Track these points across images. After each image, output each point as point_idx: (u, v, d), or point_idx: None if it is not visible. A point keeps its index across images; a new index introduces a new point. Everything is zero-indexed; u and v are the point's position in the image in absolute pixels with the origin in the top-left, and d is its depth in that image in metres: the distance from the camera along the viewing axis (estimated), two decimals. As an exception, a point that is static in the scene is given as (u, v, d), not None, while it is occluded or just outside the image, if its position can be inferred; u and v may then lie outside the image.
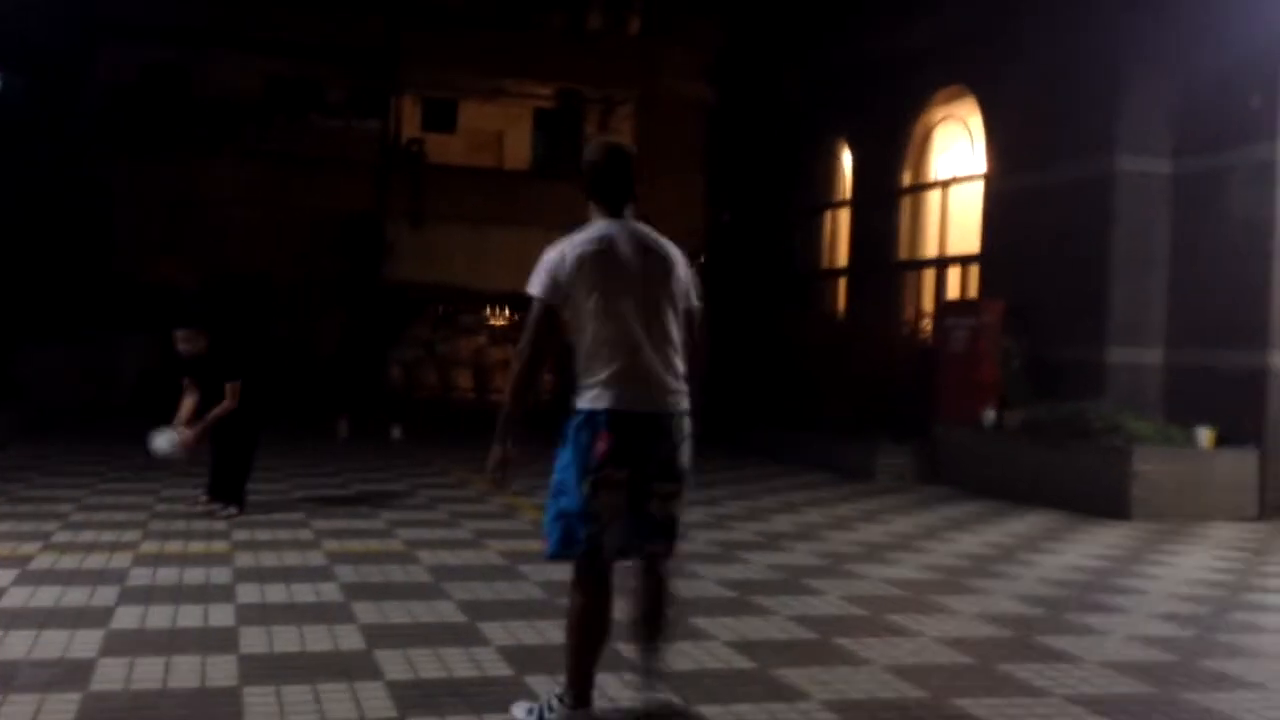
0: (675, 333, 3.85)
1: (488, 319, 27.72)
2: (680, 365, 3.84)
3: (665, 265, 3.91)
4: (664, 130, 26.20)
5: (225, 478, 8.16)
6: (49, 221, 18.53)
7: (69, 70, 21.70)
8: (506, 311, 28.10)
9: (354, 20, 25.49)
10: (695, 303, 4.03)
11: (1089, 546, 8.22)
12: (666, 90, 25.69)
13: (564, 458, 3.80)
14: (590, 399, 3.76)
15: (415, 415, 16.91)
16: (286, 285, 23.47)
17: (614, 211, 3.93)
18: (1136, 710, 4.33)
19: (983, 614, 5.90)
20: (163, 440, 7.94)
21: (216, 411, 7.96)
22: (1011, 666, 4.88)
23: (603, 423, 3.70)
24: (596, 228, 3.89)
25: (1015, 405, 11.39)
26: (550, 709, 3.86)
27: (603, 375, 3.73)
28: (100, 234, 22.37)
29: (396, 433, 14.47)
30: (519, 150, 29.03)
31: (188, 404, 8.08)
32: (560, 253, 3.85)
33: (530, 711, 3.92)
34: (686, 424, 3.85)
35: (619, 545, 3.76)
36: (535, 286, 3.81)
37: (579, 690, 3.83)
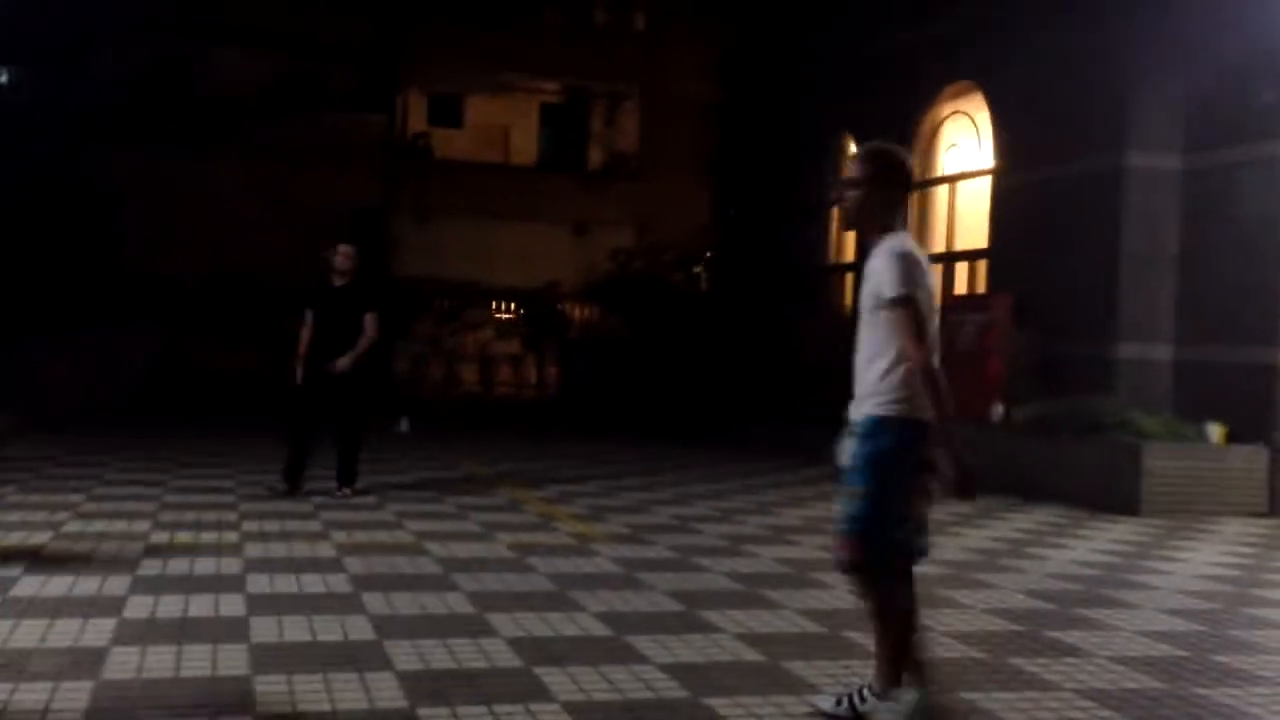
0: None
1: (493, 314, 27.74)
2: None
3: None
4: (669, 126, 26.24)
5: (346, 460, 8.80)
6: (54, 216, 18.54)
7: (74, 65, 21.72)
8: (512, 306, 28.13)
9: (360, 15, 25.50)
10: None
11: (1098, 542, 8.21)
12: (672, 86, 25.71)
13: (872, 465, 3.76)
14: (903, 407, 3.75)
15: (422, 409, 16.91)
16: (291, 281, 23.47)
17: (904, 222, 3.91)
18: (1146, 705, 4.33)
19: (992, 608, 5.90)
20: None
21: (364, 344, 8.64)
22: (1021, 661, 4.87)
23: (922, 432, 3.75)
24: (907, 236, 3.88)
25: (1023, 401, 11.38)
26: (862, 699, 3.93)
27: (908, 385, 3.74)
28: (105, 229, 22.40)
29: (404, 426, 14.49)
30: (525, 145, 29.05)
31: (305, 337, 8.79)
32: (912, 252, 3.81)
33: (839, 703, 3.98)
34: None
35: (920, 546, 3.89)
36: (908, 283, 3.71)
37: (894, 681, 3.86)
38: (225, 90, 24.68)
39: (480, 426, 17.01)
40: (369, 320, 8.70)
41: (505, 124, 28.91)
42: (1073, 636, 5.33)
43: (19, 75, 19.70)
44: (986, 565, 7.13)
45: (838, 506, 3.87)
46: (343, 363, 8.58)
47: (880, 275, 3.77)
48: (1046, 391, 11.26)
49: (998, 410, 11.48)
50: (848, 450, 3.83)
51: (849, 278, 16.96)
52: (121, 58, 23.94)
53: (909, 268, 3.74)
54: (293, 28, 25.05)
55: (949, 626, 5.42)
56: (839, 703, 3.98)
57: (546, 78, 27.74)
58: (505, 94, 28.19)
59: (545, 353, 25.35)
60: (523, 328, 27.12)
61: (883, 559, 3.80)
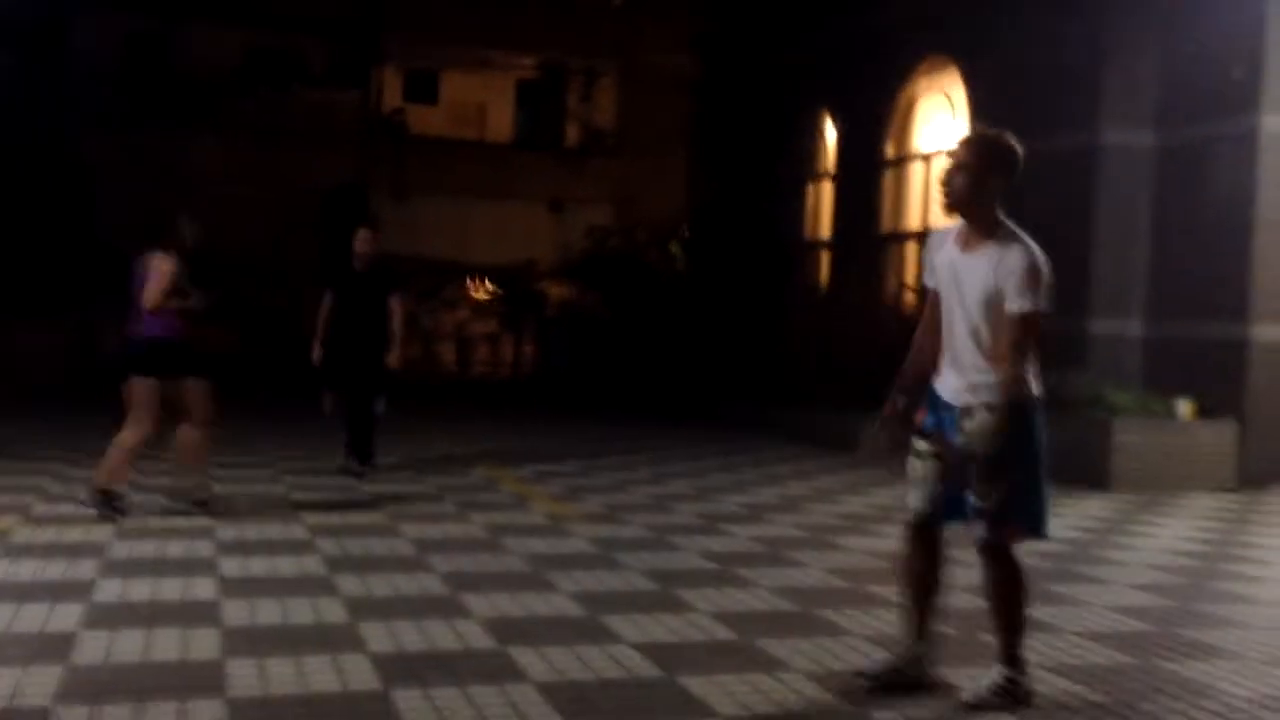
0: None
1: (470, 292, 27.65)
2: None
3: None
4: (647, 103, 26.15)
5: (360, 438, 9.06)
6: (32, 196, 18.37)
7: (51, 43, 21.47)
8: (488, 284, 28.03)
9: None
10: None
11: (1069, 518, 8.26)
12: (650, 62, 25.60)
13: (1021, 443, 3.94)
14: (1028, 388, 3.97)
15: (398, 389, 16.84)
16: (268, 259, 23.34)
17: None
18: (1114, 680, 4.37)
19: (962, 585, 5.93)
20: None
21: (399, 327, 9.03)
22: (991, 637, 4.90)
23: (1038, 408, 4.01)
24: (1015, 228, 4.02)
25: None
26: (1011, 681, 4.06)
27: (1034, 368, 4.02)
28: (84, 206, 22.20)
29: (380, 407, 14.41)
30: (501, 123, 28.90)
31: (324, 318, 9.02)
32: (1042, 263, 3.95)
33: (998, 691, 4.04)
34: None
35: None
36: (1039, 301, 3.90)
37: (1014, 656, 4.10)
38: (202, 67, 24.45)
39: (457, 406, 16.98)
40: (396, 302, 9.04)
41: (481, 101, 28.75)
42: (1042, 612, 5.36)
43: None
44: (957, 542, 7.15)
45: (980, 494, 3.95)
46: (394, 358, 9.06)
47: (1017, 278, 3.88)
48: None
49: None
50: (975, 435, 3.92)
51: (824, 255, 16.99)
52: (98, 35, 23.66)
53: (1048, 283, 3.94)
54: (268, 3, 24.81)
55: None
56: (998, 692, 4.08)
57: (523, 53, 27.56)
58: (481, 70, 28.02)
59: (522, 331, 25.29)
60: (499, 306, 27.04)
61: (1040, 531, 4.12)
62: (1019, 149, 4.08)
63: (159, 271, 6.70)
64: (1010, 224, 4.04)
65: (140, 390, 6.75)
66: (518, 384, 22.86)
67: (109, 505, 6.72)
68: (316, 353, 9.01)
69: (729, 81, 19.22)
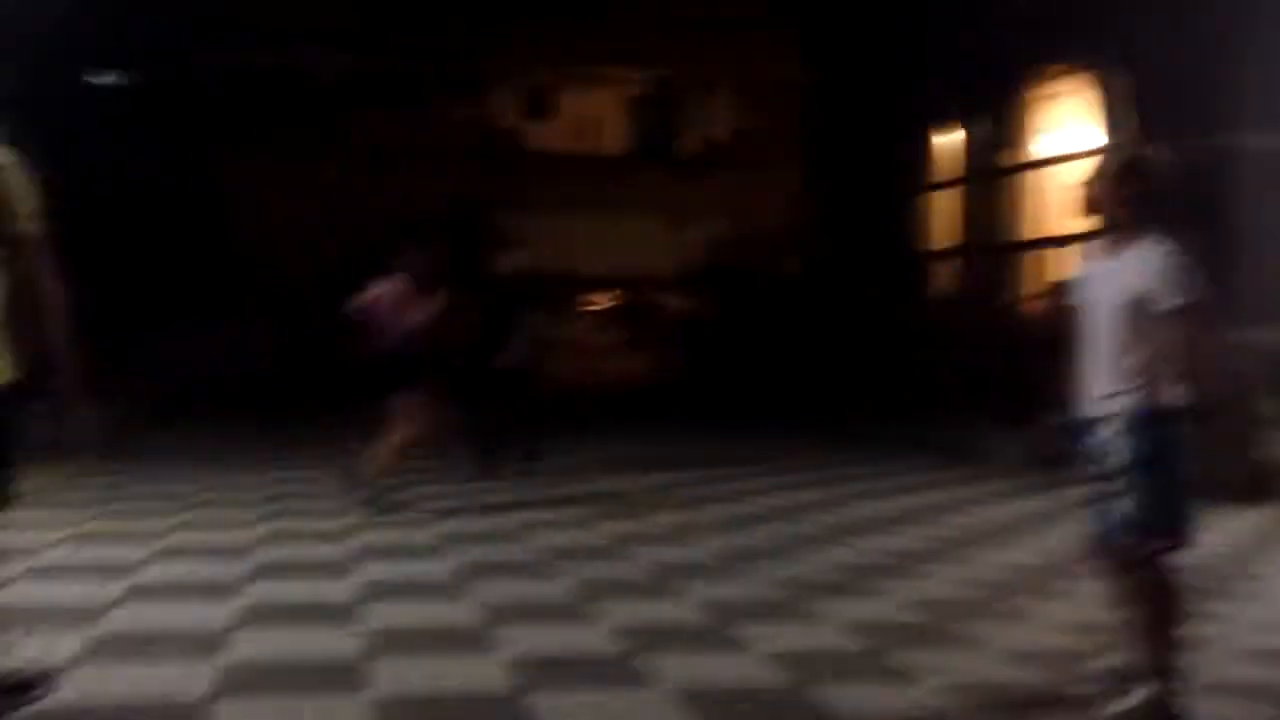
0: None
1: (589, 304, 27.88)
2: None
3: None
4: (762, 113, 26.07)
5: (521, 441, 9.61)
6: (171, 213, 19.17)
7: (177, 67, 22.38)
8: (607, 297, 28.23)
9: (450, 11, 25.79)
10: None
11: (1218, 534, 7.96)
12: (763, 73, 25.52)
13: (1167, 451, 3.91)
14: (1173, 395, 3.91)
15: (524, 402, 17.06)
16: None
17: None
18: (1272, 697, 4.20)
19: (1109, 598, 5.76)
20: None
21: (528, 336, 9.76)
22: (1134, 652, 4.75)
23: (1185, 418, 3.94)
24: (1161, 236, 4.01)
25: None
26: (1161, 698, 3.90)
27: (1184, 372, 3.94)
28: (216, 226, 23.07)
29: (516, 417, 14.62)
30: (616, 136, 29.12)
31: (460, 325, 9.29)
32: (1188, 261, 3.96)
33: (1147, 708, 3.91)
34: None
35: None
36: (1199, 290, 3.89)
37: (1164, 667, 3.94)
38: (322, 90, 25.22)
39: (577, 417, 17.11)
40: (526, 316, 10.02)
41: (597, 115, 29.02)
42: (1193, 627, 5.19)
43: (129, 77, 20.37)
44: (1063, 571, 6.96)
45: (1127, 504, 3.87)
46: (507, 360, 9.55)
47: (1169, 275, 3.87)
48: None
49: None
50: (1120, 446, 3.90)
51: (951, 264, 16.70)
52: (224, 60, 24.58)
53: (1200, 278, 3.89)
54: (386, 27, 25.46)
55: (1061, 617, 5.32)
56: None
57: (637, 67, 27.75)
58: (596, 85, 28.30)
59: (641, 344, 25.40)
60: (618, 319, 27.20)
61: (1186, 540, 3.95)
62: (1159, 158, 4.14)
63: (429, 303, 7.94)
64: (1152, 229, 4.00)
65: (409, 397, 7.69)
66: (638, 395, 22.95)
67: (378, 501, 7.55)
68: (457, 361, 9.40)
69: (845, 89, 19.06)
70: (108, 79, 19.54)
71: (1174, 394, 3.91)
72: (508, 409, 9.56)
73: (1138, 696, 3.93)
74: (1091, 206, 4.07)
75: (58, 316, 3.52)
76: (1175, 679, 3.93)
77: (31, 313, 3.48)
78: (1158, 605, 3.97)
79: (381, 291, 7.97)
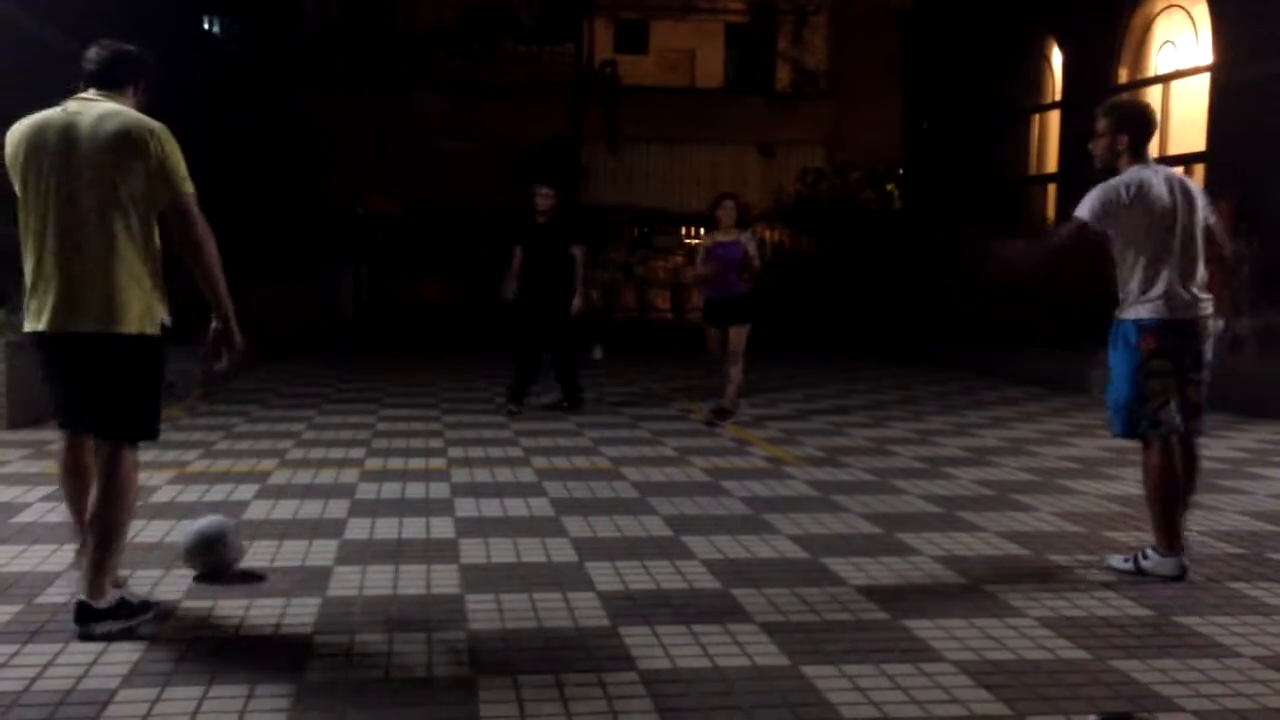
0: (1200, 255, 4.79)
1: (683, 239, 27.79)
2: (1203, 280, 4.80)
3: (1191, 199, 4.78)
4: (859, 40, 25.47)
5: (568, 381, 9.84)
6: (268, 159, 19.50)
7: (280, 11, 22.61)
8: (702, 231, 28.10)
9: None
10: (1210, 220, 4.88)
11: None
12: (860, -1, 24.90)
13: (1115, 358, 4.81)
14: (1137, 310, 4.73)
15: (615, 336, 17.19)
16: (487, 211, 24.07)
17: (1146, 158, 4.82)
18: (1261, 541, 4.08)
19: (1211, 530, 5.64)
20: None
21: (584, 277, 9.57)
22: (1241, 585, 4.65)
23: (1148, 327, 4.68)
24: (1138, 170, 4.75)
25: (1245, 312, 10.68)
26: (1145, 556, 4.76)
27: (1150, 292, 4.70)
28: (316, 169, 23.44)
29: (598, 352, 14.77)
30: (711, 68, 28.76)
31: (515, 268, 9.64)
32: (1114, 187, 4.71)
33: (1126, 560, 4.81)
34: (1210, 326, 4.81)
35: (1175, 421, 4.71)
36: (1084, 210, 4.73)
37: (1170, 540, 4.72)
38: (419, 27, 25.31)
39: (672, 351, 17.17)
40: (580, 253, 9.55)
41: (691, 47, 28.67)
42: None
43: (229, 24, 20.67)
44: (1204, 486, 6.78)
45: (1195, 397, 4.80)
46: (578, 305, 9.50)
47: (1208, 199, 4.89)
48: (1273, 302, 10.55)
49: (1217, 323, 10.83)
50: (1210, 339, 4.86)
51: (1050, 189, 16.24)
52: (323, 1, 24.80)
53: (1100, 196, 4.77)
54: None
55: (1161, 550, 5.21)
56: (1127, 560, 4.82)
57: (732, -3, 27.30)
58: (690, 16, 27.91)
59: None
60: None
61: (1129, 434, 4.85)
62: (1143, 110, 4.90)
63: (751, 247, 9.08)
64: (1127, 172, 4.78)
65: (744, 334, 9.10)
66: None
67: (719, 421, 9.05)
68: (510, 289, 9.64)
69: (945, 10, 18.50)
70: (210, 24, 19.87)
71: (1129, 307, 4.82)
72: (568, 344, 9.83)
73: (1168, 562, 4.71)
74: (1097, 162, 4.89)
75: (214, 267, 3.89)
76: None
77: (193, 265, 3.87)
78: (1150, 479, 4.78)
79: (731, 244, 9.05)
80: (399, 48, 24.95)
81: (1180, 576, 4.65)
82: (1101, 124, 4.83)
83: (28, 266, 3.89)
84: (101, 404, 3.86)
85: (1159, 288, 4.67)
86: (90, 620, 3.76)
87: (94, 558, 3.80)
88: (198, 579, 4.49)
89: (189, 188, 3.85)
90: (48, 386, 4.07)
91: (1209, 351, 4.82)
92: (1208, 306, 4.77)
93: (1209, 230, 4.82)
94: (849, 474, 7.09)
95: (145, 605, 3.96)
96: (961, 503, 6.24)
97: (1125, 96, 4.82)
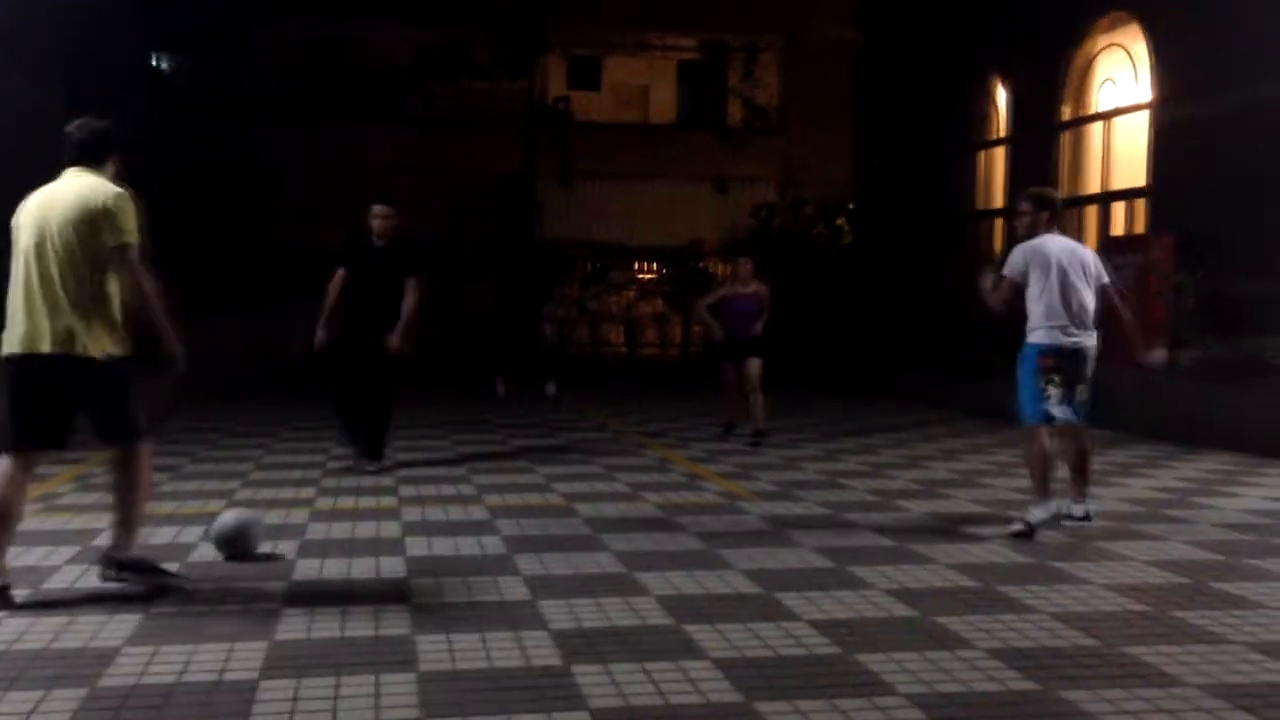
0: (1089, 301, 6.34)
1: (637, 274, 27.85)
2: (1090, 320, 6.32)
3: (1080, 260, 6.37)
4: (809, 77, 25.77)
5: (375, 436, 8.44)
6: (220, 195, 19.34)
7: (234, 48, 22.51)
8: (655, 267, 28.17)
9: (498, -17, 25.73)
10: (1105, 279, 6.45)
11: (1269, 490, 7.83)
12: (811, 36, 25.22)
13: (1022, 369, 6.35)
14: (1038, 336, 6.31)
15: (568, 372, 17.16)
16: (439, 246, 23.99)
17: (1054, 230, 6.49)
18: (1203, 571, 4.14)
19: (1155, 560, 5.70)
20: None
21: (410, 312, 8.11)
22: (1186, 614, 4.71)
23: (1046, 350, 6.29)
24: (1042, 238, 6.41)
25: (1188, 343, 10.88)
26: (1030, 514, 6.26)
27: (1047, 324, 6.28)
28: (267, 205, 23.26)
29: (551, 389, 14.74)
30: (664, 104, 28.96)
31: (332, 298, 8.30)
32: (1023, 249, 6.40)
33: (1015, 524, 6.25)
34: (1091, 352, 6.34)
35: (1062, 414, 6.31)
36: (1008, 268, 6.42)
37: (1044, 493, 6.31)
38: (374, 64, 25.30)
39: (626, 387, 17.18)
40: (413, 286, 8.16)
41: (644, 84, 28.87)
42: (1243, 588, 5.12)
43: (181, 61, 20.54)
44: (1149, 516, 6.89)
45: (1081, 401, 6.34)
46: (393, 341, 8.10)
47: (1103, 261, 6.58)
48: (1217, 333, 10.76)
49: (1160, 354, 11.00)
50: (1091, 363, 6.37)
51: (998, 223, 16.48)
52: (277, 39, 24.73)
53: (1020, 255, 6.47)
54: (437, 0, 25.45)
55: (1109, 579, 5.27)
56: (1015, 524, 6.30)
57: (683, 33, 27.53)
58: (643, 53, 28.12)
59: (689, 312, 25.34)
60: (666, 287, 27.15)
61: (1028, 421, 6.44)
62: (1054, 196, 6.78)
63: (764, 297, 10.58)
64: (1040, 238, 6.46)
65: (759, 367, 10.39)
66: (686, 364, 22.94)
67: (761, 442, 10.03)
68: (319, 336, 8.22)
69: (894, 49, 18.80)
70: (160, 61, 19.74)
71: (1033, 333, 6.41)
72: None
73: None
74: (1021, 234, 6.57)
75: (153, 300, 4.71)
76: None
77: (140, 300, 4.69)
78: (1030, 454, 6.46)
79: (749, 296, 10.43)
80: (353, 84, 24.91)
81: (1055, 517, 6.35)
82: (1025, 205, 6.56)
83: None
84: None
85: (1050, 321, 6.26)
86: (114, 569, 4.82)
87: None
88: (227, 559, 5.43)
89: (131, 239, 4.64)
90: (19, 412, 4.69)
91: (1089, 368, 6.33)
92: (1090, 339, 6.31)
93: (1101, 285, 6.38)
94: (803, 508, 7.11)
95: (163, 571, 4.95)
96: (913, 535, 6.28)
97: (1040, 188, 6.96)
